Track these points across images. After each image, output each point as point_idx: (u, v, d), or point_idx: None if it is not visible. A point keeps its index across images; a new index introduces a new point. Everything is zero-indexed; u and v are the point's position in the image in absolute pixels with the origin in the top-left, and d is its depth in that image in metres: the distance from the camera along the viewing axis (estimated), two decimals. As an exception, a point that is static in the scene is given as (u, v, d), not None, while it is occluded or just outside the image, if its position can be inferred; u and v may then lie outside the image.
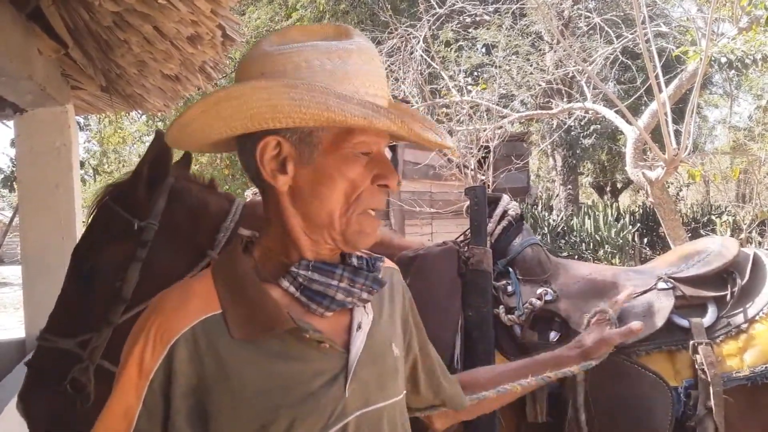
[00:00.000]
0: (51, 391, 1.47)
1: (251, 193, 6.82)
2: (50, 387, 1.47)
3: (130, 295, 1.46)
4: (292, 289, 0.95)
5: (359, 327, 0.98)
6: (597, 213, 11.69)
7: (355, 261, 1.01)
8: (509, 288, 1.58)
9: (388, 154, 1.05)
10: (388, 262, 1.16)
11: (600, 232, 11.02)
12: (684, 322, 1.59)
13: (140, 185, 1.50)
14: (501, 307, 1.57)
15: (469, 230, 1.64)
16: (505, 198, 1.71)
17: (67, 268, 1.56)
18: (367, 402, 0.96)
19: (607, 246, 10.76)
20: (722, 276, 1.68)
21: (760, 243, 8.32)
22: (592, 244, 11.04)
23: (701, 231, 9.15)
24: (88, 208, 1.60)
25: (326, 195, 0.93)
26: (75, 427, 1.49)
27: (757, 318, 1.60)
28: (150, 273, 1.46)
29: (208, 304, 0.93)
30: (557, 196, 14.59)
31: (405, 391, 1.07)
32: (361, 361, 0.96)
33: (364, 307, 1.01)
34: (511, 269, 1.63)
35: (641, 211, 13.58)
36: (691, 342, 1.55)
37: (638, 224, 12.07)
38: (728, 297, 1.63)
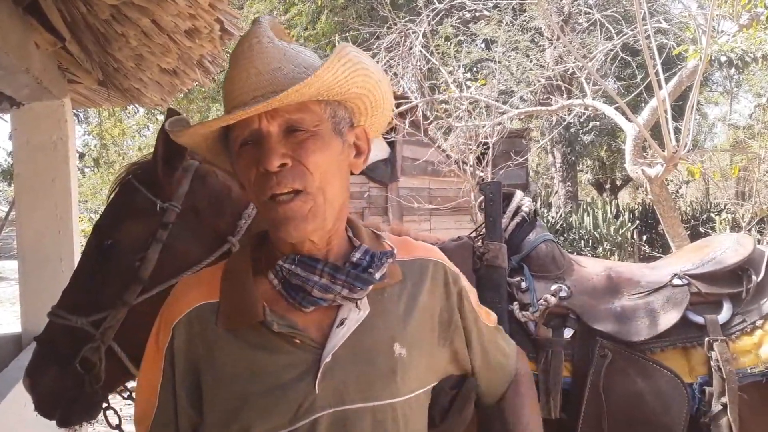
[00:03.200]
0: (59, 369, 1.43)
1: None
2: (59, 364, 1.43)
3: (148, 277, 1.41)
4: (275, 282, 0.98)
5: (341, 324, 0.96)
6: (596, 210, 11.69)
7: (356, 256, 1.00)
8: (523, 284, 1.56)
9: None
10: (422, 253, 1.12)
11: (599, 230, 11.03)
12: (699, 319, 1.57)
13: (160, 164, 1.45)
14: (515, 303, 1.54)
15: (482, 226, 1.61)
16: (519, 193, 1.68)
17: (85, 245, 1.51)
18: (342, 401, 0.94)
19: (606, 243, 10.77)
20: (737, 273, 1.66)
21: (759, 241, 8.32)
22: (591, 241, 11.04)
23: (700, 229, 9.14)
24: (109, 186, 1.56)
25: (248, 194, 1.00)
26: (81, 406, 1.45)
27: None
28: (169, 256, 1.42)
29: (210, 292, 1.00)
30: (556, 193, 14.59)
31: (417, 392, 1.01)
32: (339, 359, 0.94)
33: (356, 303, 0.98)
34: (524, 265, 1.60)
35: (640, 208, 13.62)
36: (707, 339, 1.54)
37: (637, 221, 12.10)
38: (743, 294, 1.61)
